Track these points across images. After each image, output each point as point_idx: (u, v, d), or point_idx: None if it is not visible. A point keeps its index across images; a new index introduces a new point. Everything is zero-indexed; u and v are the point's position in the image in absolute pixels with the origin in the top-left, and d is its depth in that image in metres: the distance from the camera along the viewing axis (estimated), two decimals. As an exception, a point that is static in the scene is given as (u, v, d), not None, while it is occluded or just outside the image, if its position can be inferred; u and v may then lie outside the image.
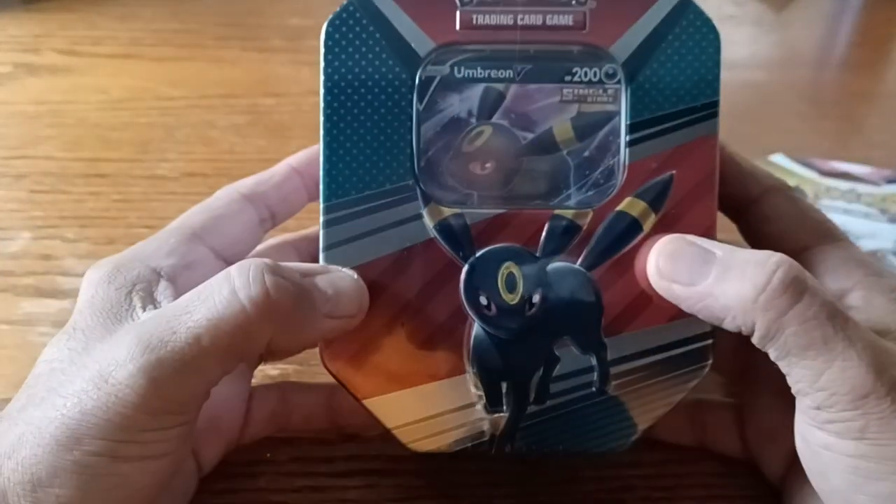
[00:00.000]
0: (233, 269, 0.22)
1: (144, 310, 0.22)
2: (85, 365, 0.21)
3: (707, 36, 0.24)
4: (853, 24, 0.76)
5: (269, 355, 0.28)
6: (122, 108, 0.53)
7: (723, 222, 0.27)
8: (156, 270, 0.24)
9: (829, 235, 0.25)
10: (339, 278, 0.24)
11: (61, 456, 0.20)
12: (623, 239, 0.24)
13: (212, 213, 0.26)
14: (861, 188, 0.47)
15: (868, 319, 0.22)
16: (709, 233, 0.24)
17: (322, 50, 0.25)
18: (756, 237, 0.27)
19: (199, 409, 0.23)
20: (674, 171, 0.24)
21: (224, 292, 0.21)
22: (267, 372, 0.33)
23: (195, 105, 0.54)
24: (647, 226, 0.24)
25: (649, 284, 0.24)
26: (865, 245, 0.42)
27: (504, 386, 0.24)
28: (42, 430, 0.20)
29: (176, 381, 0.20)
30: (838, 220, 0.44)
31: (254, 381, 0.30)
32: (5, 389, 0.32)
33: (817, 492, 0.23)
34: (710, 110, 0.24)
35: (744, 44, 0.68)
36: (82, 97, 0.54)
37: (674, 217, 0.24)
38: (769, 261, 0.21)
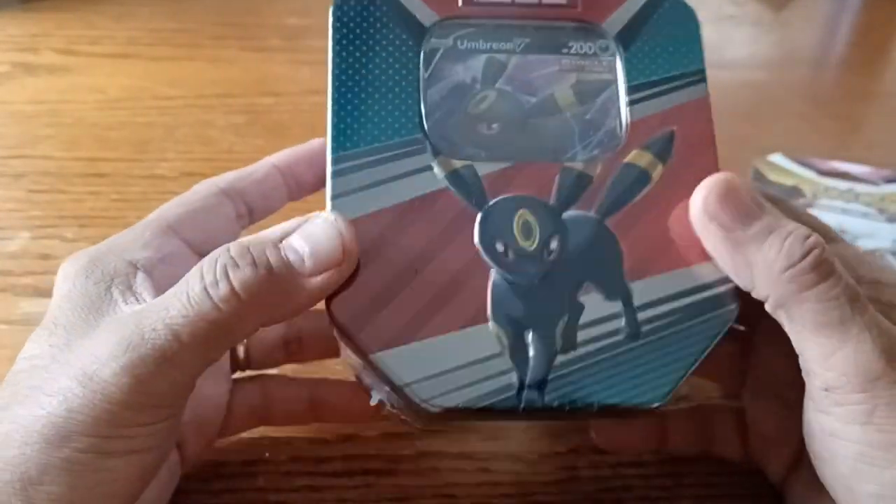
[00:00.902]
0: (203, 263, 0.21)
1: (126, 303, 0.22)
2: (68, 362, 0.21)
3: (686, 13, 0.27)
4: (852, 23, 0.76)
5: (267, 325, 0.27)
6: (119, 107, 0.53)
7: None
8: (132, 263, 0.24)
9: (826, 237, 0.26)
10: (312, 230, 0.22)
11: (50, 454, 0.20)
12: (633, 189, 0.25)
13: (188, 206, 0.26)
14: (859, 188, 0.47)
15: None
16: (715, 169, 0.24)
17: (330, 25, 0.25)
18: None
19: (186, 401, 0.23)
20: (674, 127, 0.25)
21: (197, 289, 0.21)
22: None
23: (193, 104, 0.54)
24: (655, 176, 0.25)
25: (669, 229, 0.24)
26: (864, 245, 0.42)
27: (528, 336, 0.23)
28: (29, 429, 0.20)
29: (159, 377, 0.21)
30: (836, 219, 0.44)
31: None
32: (3, 389, 0.32)
33: (822, 479, 0.23)
34: (698, 76, 0.26)
35: (743, 44, 0.68)
36: (80, 97, 0.54)
37: (679, 168, 0.25)
38: (809, 239, 0.22)
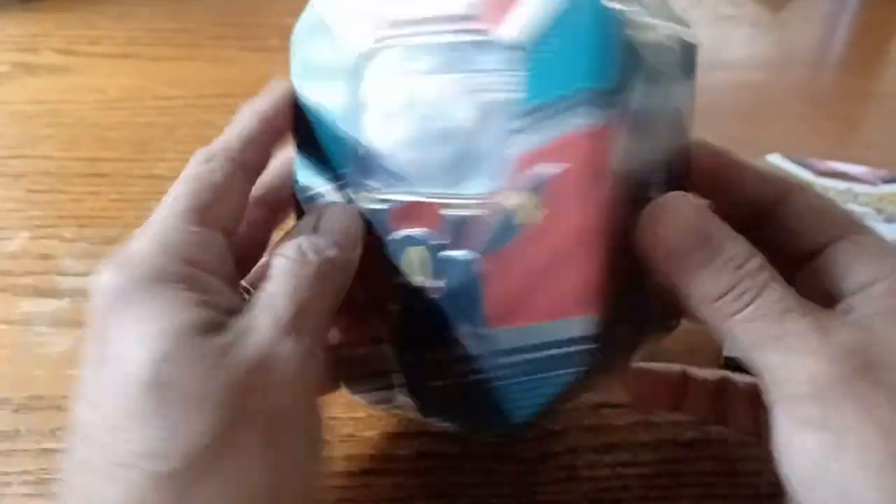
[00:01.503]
0: (283, 247, 0.23)
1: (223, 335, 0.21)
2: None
3: (602, 18, 0.23)
4: (850, 23, 0.76)
5: None
6: (119, 107, 0.53)
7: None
8: (199, 280, 0.22)
9: (857, 227, 0.25)
10: (341, 216, 0.25)
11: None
12: (506, 234, 0.24)
13: (216, 191, 0.25)
14: (857, 188, 0.47)
15: (890, 309, 0.22)
16: (597, 223, 0.23)
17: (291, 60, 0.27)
18: (785, 234, 0.26)
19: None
20: (564, 164, 0.23)
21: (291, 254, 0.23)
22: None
23: (193, 104, 0.54)
24: (536, 218, 0.24)
25: (538, 279, 0.24)
26: (862, 245, 0.42)
27: (407, 358, 0.26)
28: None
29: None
30: (835, 220, 0.44)
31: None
32: (4, 389, 0.32)
33: (784, 481, 0.23)
34: (605, 97, 0.23)
35: (741, 44, 0.68)
36: (80, 97, 0.54)
37: (563, 209, 0.23)
38: (744, 265, 0.22)
